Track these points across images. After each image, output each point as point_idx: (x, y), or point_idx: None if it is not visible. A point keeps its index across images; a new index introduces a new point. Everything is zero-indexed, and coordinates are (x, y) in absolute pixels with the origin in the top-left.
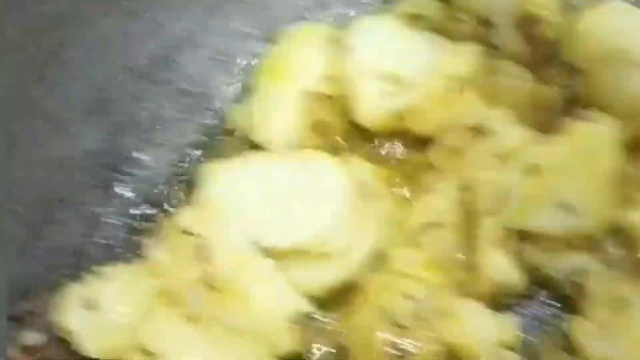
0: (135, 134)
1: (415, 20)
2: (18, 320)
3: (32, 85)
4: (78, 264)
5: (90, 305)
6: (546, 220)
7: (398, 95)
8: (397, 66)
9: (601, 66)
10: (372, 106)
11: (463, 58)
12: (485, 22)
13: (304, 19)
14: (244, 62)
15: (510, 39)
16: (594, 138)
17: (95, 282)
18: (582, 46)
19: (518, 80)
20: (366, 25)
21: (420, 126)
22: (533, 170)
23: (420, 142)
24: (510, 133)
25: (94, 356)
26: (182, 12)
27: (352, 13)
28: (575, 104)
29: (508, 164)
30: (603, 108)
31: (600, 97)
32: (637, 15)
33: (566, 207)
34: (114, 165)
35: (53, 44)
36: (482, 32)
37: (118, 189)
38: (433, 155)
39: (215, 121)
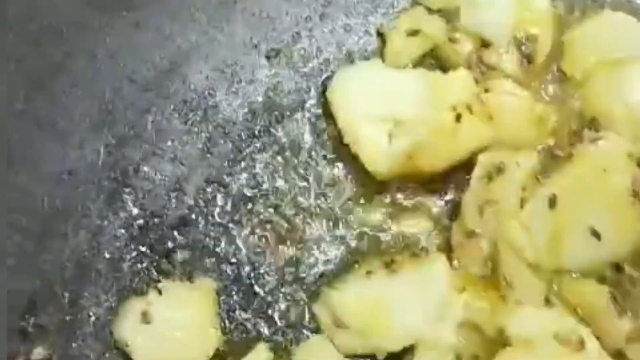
0: (140, 146)
1: (414, 36)
2: (24, 334)
3: (37, 97)
4: (84, 277)
5: (146, 319)
6: (579, 253)
7: (402, 136)
8: (393, 108)
9: (598, 77)
10: (379, 151)
11: (457, 85)
12: (482, 42)
13: (306, 29)
14: (249, 74)
15: (508, 59)
16: (605, 157)
17: (151, 296)
18: (578, 57)
19: (517, 98)
20: (351, 75)
21: (430, 163)
22: (552, 201)
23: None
24: (524, 163)
25: None
26: (187, 24)
27: (352, 23)
28: (576, 119)
29: (528, 200)
30: (602, 120)
31: (598, 109)
32: (633, 25)
33: (594, 235)
34: (119, 177)
35: (58, 56)
36: (479, 52)
37: (123, 202)
38: (468, 221)
39: (220, 133)
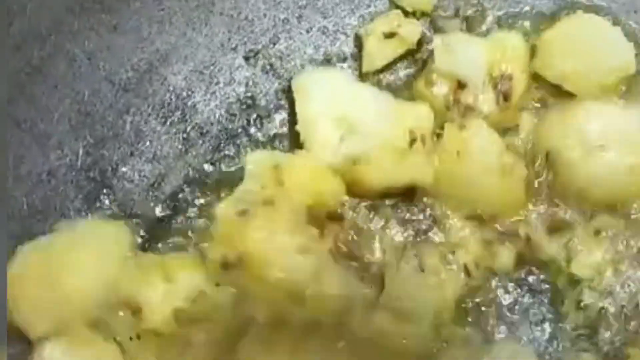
0: (119, 147)
1: (390, 38)
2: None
3: (17, 100)
4: None
5: (166, 278)
6: None
7: (352, 141)
8: (351, 114)
9: (551, 114)
10: (328, 149)
11: (419, 115)
12: (459, 84)
13: (284, 30)
14: (228, 76)
15: (484, 99)
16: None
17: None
18: (551, 58)
19: (489, 143)
20: (318, 76)
21: (372, 177)
22: None
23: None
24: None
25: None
26: (166, 26)
27: (329, 25)
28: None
29: None
30: (555, 156)
31: (551, 144)
32: (605, 27)
33: None
34: (97, 177)
35: (38, 59)
36: (456, 93)
37: (102, 202)
38: None
39: (198, 134)
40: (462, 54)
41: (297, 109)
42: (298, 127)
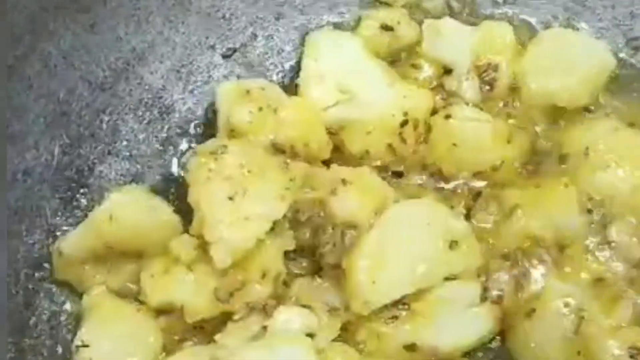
0: (95, 146)
1: (387, 31)
2: None
3: None
4: (39, 276)
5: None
6: None
7: (347, 107)
8: (354, 81)
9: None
10: (322, 104)
11: (417, 99)
12: (444, 69)
13: (262, 28)
14: (205, 74)
15: (468, 85)
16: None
17: None
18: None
19: (479, 122)
20: (333, 36)
21: (354, 144)
22: None
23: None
24: None
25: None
26: (142, 25)
27: (308, 22)
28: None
29: None
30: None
31: None
32: (575, 37)
33: None
34: (74, 177)
35: (12, 59)
36: (440, 78)
37: (78, 201)
38: None
39: (176, 132)
40: (450, 41)
41: (304, 61)
42: (299, 80)
